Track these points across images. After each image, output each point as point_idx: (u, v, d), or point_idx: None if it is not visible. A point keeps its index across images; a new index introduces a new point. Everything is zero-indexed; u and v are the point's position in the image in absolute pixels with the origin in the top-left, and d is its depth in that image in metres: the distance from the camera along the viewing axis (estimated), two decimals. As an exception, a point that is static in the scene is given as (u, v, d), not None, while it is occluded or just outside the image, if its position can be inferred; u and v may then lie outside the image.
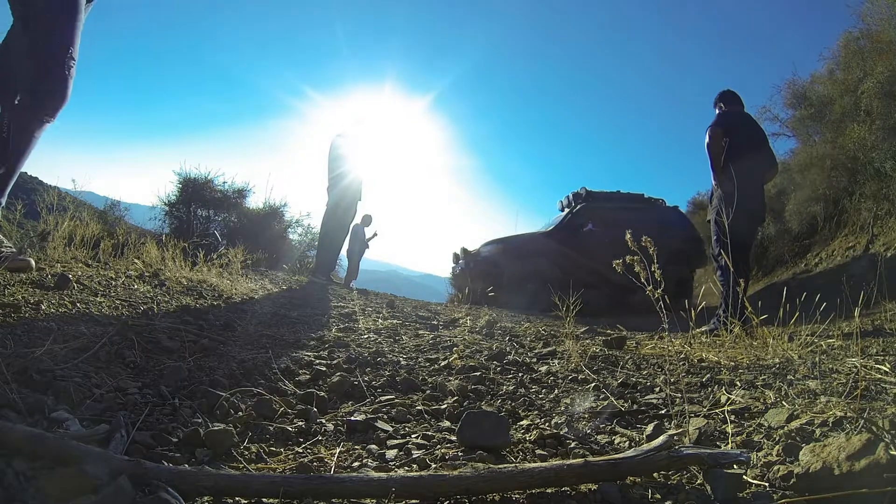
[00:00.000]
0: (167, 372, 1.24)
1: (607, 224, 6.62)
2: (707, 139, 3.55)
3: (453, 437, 1.04)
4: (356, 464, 0.91)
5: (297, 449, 0.97)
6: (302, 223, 9.44)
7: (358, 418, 1.12)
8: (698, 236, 6.97)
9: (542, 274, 6.01)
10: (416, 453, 0.95)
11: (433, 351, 1.97)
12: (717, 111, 3.75)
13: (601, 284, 5.63)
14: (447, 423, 1.14)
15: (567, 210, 7.26)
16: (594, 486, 0.81)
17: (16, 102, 1.85)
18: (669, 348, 2.09)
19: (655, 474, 0.85)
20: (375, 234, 9.22)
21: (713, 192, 3.67)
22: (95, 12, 2.17)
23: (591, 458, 0.84)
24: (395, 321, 2.74)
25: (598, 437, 1.11)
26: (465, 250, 7.11)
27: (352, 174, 5.37)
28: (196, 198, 8.18)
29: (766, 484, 0.81)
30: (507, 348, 2.10)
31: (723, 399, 1.27)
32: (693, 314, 1.91)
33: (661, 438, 0.88)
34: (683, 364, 1.78)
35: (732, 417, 1.14)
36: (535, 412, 1.27)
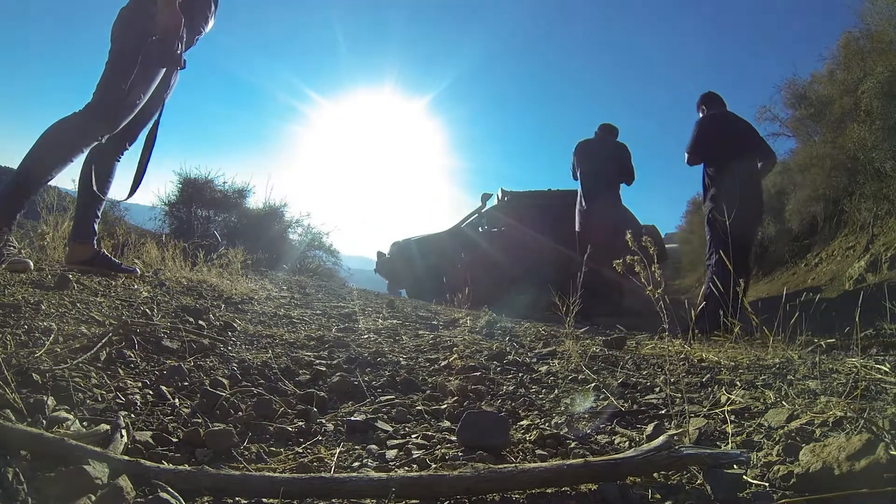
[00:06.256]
0: (167, 372, 1.24)
1: (525, 222, 7.29)
2: (690, 144, 3.55)
3: (453, 437, 1.03)
4: (356, 464, 0.91)
5: (297, 449, 0.97)
6: (302, 223, 9.44)
7: (358, 418, 1.12)
8: (640, 231, 6.91)
9: (414, 272, 7.31)
10: (416, 453, 0.95)
11: (433, 351, 1.97)
12: (700, 115, 3.75)
13: (485, 279, 6.58)
14: (447, 423, 1.14)
15: (474, 210, 7.86)
16: (594, 486, 0.81)
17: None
18: (669, 348, 2.09)
19: (655, 474, 0.85)
20: None
21: (705, 195, 3.65)
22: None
23: (591, 458, 0.84)
24: (395, 321, 2.74)
25: (598, 437, 1.11)
26: (379, 253, 8.18)
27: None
28: (196, 198, 8.19)
29: (766, 484, 0.81)
30: (507, 348, 2.10)
31: (723, 399, 1.27)
32: (693, 314, 1.90)
33: (661, 438, 0.88)
34: (683, 364, 1.78)
35: (732, 417, 1.14)
36: (535, 412, 1.27)
